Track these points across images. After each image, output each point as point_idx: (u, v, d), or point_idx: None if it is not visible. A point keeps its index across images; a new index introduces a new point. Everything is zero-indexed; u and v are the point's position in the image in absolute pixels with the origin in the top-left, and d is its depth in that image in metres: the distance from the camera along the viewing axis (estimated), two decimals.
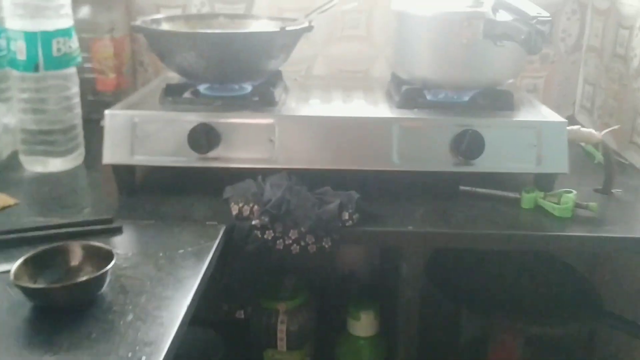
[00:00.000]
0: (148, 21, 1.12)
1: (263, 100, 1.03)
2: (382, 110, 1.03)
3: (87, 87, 1.35)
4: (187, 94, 1.08)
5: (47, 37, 1.01)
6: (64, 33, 1.04)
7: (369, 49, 1.41)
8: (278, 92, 1.07)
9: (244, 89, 1.10)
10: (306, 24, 1.07)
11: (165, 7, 1.39)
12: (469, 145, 0.94)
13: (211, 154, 0.96)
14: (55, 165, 1.08)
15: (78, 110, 1.10)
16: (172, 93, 1.04)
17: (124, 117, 0.97)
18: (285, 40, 1.05)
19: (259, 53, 1.02)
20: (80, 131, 1.11)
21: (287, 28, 1.03)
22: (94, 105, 1.34)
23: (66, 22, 1.04)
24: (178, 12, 1.38)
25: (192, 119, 0.96)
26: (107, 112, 0.97)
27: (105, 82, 1.35)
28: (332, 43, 1.41)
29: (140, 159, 0.96)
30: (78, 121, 1.10)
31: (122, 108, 0.99)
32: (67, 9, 1.04)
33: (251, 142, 0.96)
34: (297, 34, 1.07)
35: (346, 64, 1.42)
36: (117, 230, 0.85)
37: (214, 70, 1.02)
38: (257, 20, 1.22)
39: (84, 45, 1.32)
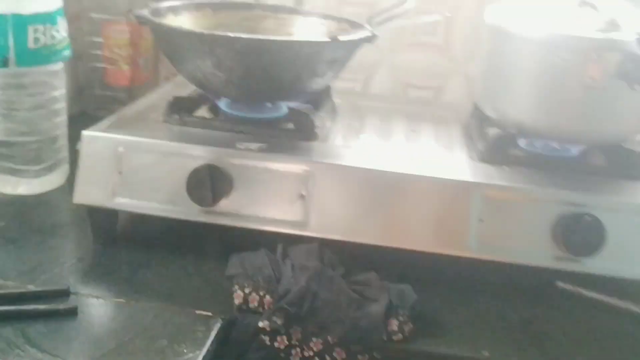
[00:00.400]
0: (163, 9, 0.85)
1: (299, 131, 0.76)
2: (459, 163, 0.74)
3: (96, 78, 1.12)
4: (201, 111, 0.82)
5: (21, 22, 0.77)
6: (46, 18, 0.79)
7: (445, 62, 1.11)
8: (321, 119, 0.80)
9: (278, 108, 0.83)
10: (367, 33, 0.79)
11: None
12: (584, 236, 0.65)
13: (219, 206, 0.69)
14: (30, 186, 0.84)
15: (62, 118, 0.86)
16: (180, 109, 0.78)
17: (105, 142, 0.71)
18: (336, 54, 0.77)
19: (298, 69, 0.75)
20: (63, 144, 0.86)
21: (340, 37, 0.75)
22: (101, 101, 1.12)
23: (49, 4, 0.79)
24: None
25: (199, 154, 0.70)
26: (84, 133, 0.71)
27: (116, 74, 1.11)
28: (400, 50, 1.11)
29: (122, 203, 0.71)
30: (61, 131, 0.86)
31: (107, 129, 0.73)
32: None
33: (274, 195, 0.69)
34: (353, 46, 0.79)
35: (415, 78, 1.12)
36: (70, 313, 0.60)
37: (235, 86, 0.76)
38: (306, 17, 0.94)
39: (95, 29, 1.09)
